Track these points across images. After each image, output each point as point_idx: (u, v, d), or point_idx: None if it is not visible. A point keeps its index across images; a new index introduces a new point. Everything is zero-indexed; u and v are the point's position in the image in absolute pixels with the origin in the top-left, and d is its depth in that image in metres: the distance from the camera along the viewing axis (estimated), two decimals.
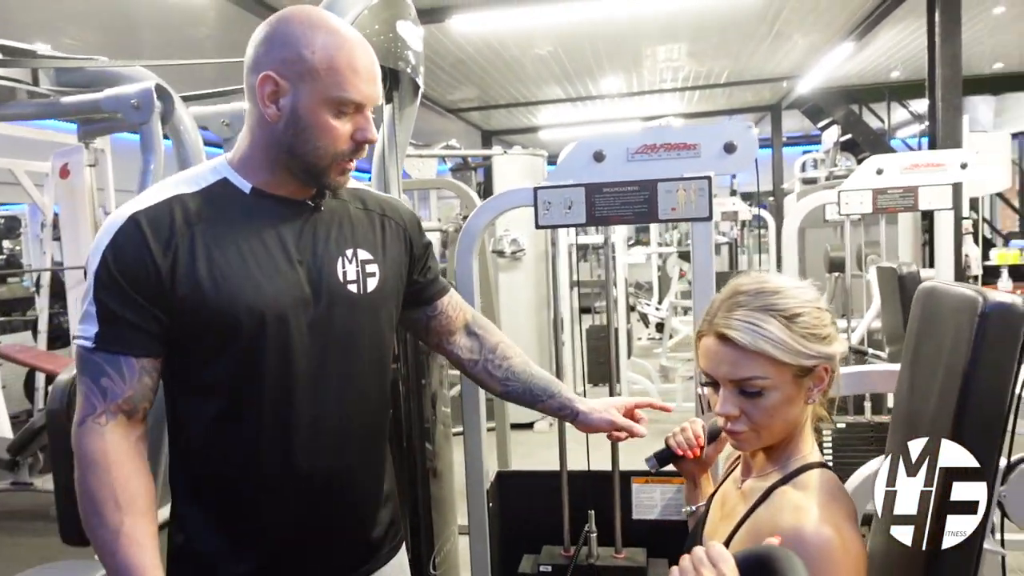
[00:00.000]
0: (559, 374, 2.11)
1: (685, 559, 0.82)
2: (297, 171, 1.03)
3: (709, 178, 1.64)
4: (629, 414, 1.34)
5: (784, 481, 0.98)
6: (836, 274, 4.02)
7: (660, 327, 7.39)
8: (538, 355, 5.61)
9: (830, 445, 2.96)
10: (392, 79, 1.73)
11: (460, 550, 2.15)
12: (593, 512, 1.77)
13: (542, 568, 1.76)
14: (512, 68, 8.54)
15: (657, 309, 7.43)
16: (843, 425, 2.90)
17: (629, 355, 5.72)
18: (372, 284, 1.10)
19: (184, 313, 0.97)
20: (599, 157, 1.70)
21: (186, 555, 1.05)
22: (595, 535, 1.76)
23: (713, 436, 1.23)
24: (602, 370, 6.17)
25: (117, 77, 1.76)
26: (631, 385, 5.49)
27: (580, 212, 1.71)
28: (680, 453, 1.21)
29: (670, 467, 1.22)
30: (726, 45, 7.96)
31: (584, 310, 6.65)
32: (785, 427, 0.98)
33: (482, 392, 1.79)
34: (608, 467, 1.85)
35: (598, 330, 6.25)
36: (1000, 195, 7.94)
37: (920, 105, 9.81)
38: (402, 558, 1.24)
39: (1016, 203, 9.61)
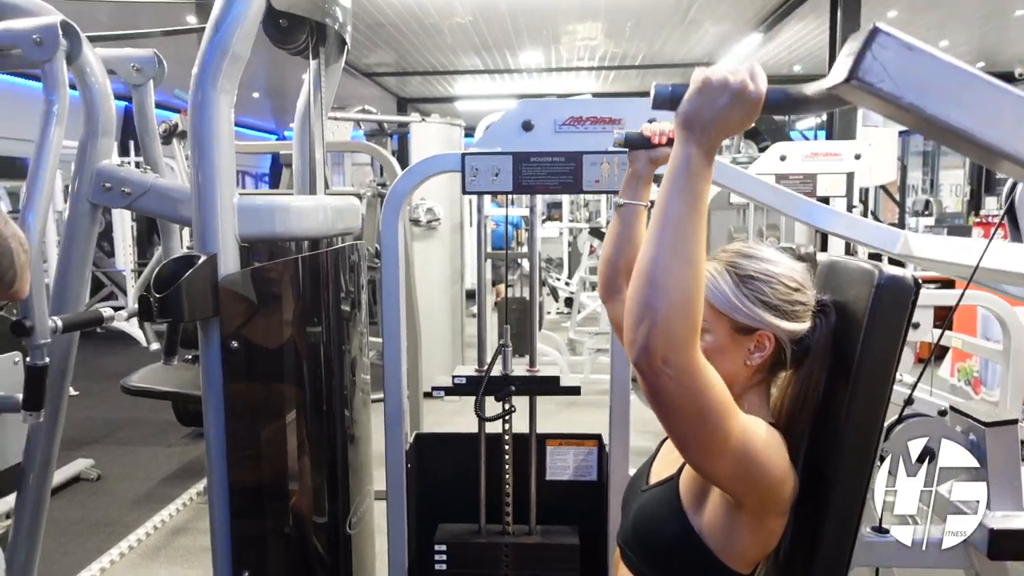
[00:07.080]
0: (478, 344, 2.15)
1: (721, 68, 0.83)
2: None
3: None
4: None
5: None
6: None
7: (569, 302, 7.55)
8: (450, 327, 5.62)
9: None
10: (318, 34, 1.68)
11: (375, 516, 2.17)
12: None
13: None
14: (431, 35, 8.39)
15: (567, 284, 7.59)
16: None
17: (540, 327, 5.83)
18: None
19: None
20: (528, 127, 1.72)
21: None
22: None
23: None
24: (514, 341, 6.25)
25: (8, 9, 1.61)
26: (541, 357, 5.60)
27: (507, 180, 1.73)
28: (650, 137, 1.17)
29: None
30: (641, 28, 8.13)
31: (493, 283, 6.70)
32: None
33: (404, 356, 1.79)
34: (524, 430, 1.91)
35: (511, 302, 6.33)
36: (884, 187, 8.59)
37: None
38: None
39: (897, 196, 10.39)
